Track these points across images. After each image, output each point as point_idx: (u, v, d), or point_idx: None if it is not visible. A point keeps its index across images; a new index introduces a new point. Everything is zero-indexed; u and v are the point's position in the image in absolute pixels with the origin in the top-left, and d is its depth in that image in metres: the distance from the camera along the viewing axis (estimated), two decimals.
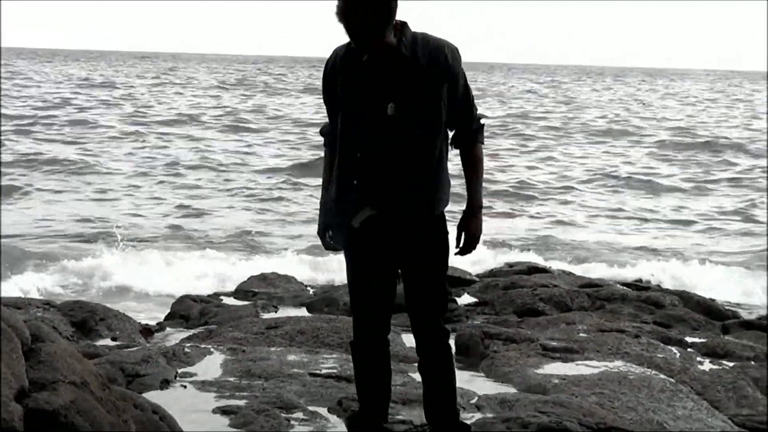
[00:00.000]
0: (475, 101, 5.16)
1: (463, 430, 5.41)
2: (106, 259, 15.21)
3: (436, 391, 5.34)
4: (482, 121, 5.17)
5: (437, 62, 4.89)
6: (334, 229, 5.21)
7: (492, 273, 14.44)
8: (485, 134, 5.26)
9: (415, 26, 4.95)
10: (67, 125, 41.82)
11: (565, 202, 25.53)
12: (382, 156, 4.95)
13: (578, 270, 15.40)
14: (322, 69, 5.17)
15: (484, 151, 5.23)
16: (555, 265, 15.51)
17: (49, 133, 38.53)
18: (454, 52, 4.96)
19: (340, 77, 5.00)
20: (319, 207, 5.36)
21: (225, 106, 57.46)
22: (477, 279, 13.56)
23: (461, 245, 5.19)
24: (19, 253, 16.12)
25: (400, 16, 4.81)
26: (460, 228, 5.17)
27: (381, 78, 4.88)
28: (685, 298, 12.28)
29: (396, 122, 4.89)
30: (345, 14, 4.70)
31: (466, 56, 5.22)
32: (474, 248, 5.21)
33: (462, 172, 5.14)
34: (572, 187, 28.02)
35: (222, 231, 19.60)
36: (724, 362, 8.88)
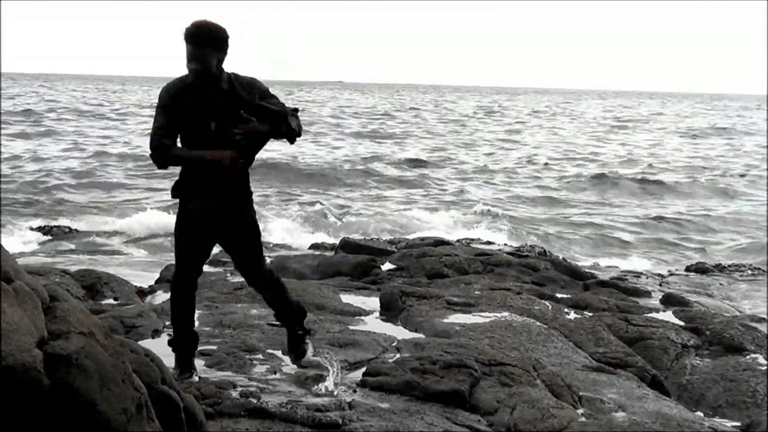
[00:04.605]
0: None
1: (303, 313, 5.86)
2: None
3: (278, 305, 5.74)
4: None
5: (251, 91, 5.24)
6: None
7: (407, 245, 14.46)
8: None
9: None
10: None
11: None
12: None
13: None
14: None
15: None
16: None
17: None
18: (257, 81, 5.33)
19: (176, 104, 5.21)
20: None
21: None
22: (396, 250, 13.53)
23: None
24: None
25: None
26: None
27: (206, 103, 5.18)
28: (556, 263, 12.40)
29: (216, 136, 5.19)
30: (193, 39, 5.03)
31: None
32: None
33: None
34: None
35: None
36: (585, 312, 8.98)
